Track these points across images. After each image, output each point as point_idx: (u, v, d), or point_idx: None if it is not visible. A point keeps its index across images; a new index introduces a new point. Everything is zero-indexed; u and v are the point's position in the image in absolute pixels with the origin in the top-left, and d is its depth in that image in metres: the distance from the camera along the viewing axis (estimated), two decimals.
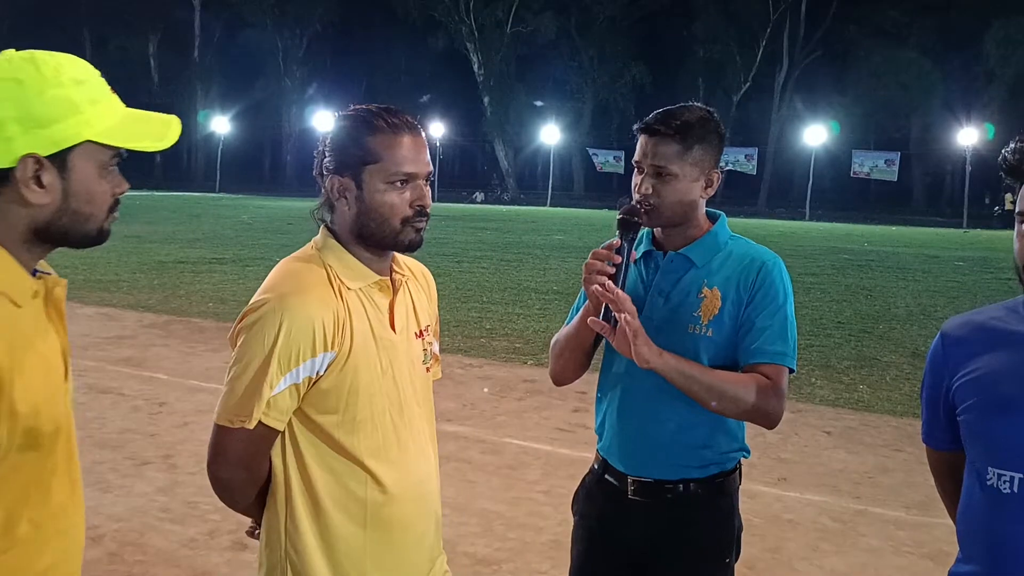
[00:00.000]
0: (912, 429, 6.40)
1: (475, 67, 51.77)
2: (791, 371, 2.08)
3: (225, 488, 1.80)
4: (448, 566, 2.05)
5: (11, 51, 1.41)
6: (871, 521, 4.75)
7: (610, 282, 1.96)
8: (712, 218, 2.22)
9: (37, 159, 1.36)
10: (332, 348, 1.72)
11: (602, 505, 2.24)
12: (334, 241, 1.81)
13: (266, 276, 1.81)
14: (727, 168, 44.73)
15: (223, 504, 1.85)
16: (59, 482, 1.48)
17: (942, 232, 31.92)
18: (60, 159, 1.38)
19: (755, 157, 45.46)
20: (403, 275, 1.90)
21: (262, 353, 1.68)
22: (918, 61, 44.75)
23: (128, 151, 1.46)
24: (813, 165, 42.40)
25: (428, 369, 1.95)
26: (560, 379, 2.31)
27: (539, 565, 4.05)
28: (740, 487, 2.23)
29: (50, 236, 1.43)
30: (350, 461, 1.77)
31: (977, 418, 1.62)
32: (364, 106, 1.81)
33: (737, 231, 2.23)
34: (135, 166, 57.19)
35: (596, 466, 2.29)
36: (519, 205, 44.04)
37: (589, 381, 2.39)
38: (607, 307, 1.97)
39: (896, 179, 43.45)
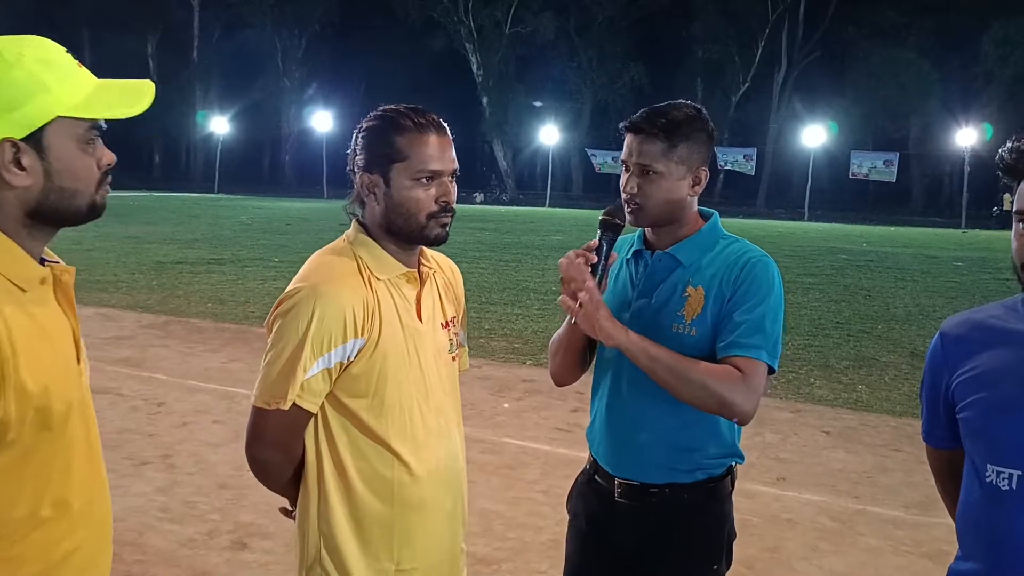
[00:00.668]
0: (911, 429, 6.41)
1: (474, 67, 51.75)
2: (771, 369, 2.02)
3: (262, 468, 1.92)
4: None
5: None
6: (870, 521, 4.75)
7: (566, 258, 1.99)
8: (705, 216, 2.19)
9: (13, 143, 1.37)
10: (362, 335, 1.82)
11: (592, 505, 2.24)
12: (365, 235, 1.92)
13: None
14: (726, 168, 44.82)
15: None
16: (79, 463, 1.50)
17: (941, 232, 31.93)
18: (35, 139, 1.39)
19: (754, 157, 45.43)
20: (430, 268, 2.00)
21: (296, 338, 1.78)
22: (917, 62, 44.75)
23: (108, 121, 1.47)
24: (812, 166, 42.39)
25: (454, 358, 2.04)
26: (559, 379, 2.30)
27: (538, 565, 4.05)
28: (733, 492, 2.20)
29: (45, 217, 1.44)
30: (378, 444, 1.87)
31: (976, 416, 1.62)
32: (393, 106, 1.90)
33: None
34: (134, 167, 57.32)
35: (588, 466, 2.28)
36: (518, 206, 44.05)
37: (587, 382, 2.40)
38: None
39: (895, 180, 43.43)
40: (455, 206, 1.91)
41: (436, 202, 1.86)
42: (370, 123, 1.89)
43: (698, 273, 2.09)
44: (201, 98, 55.40)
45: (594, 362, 2.29)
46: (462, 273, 2.19)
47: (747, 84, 50.07)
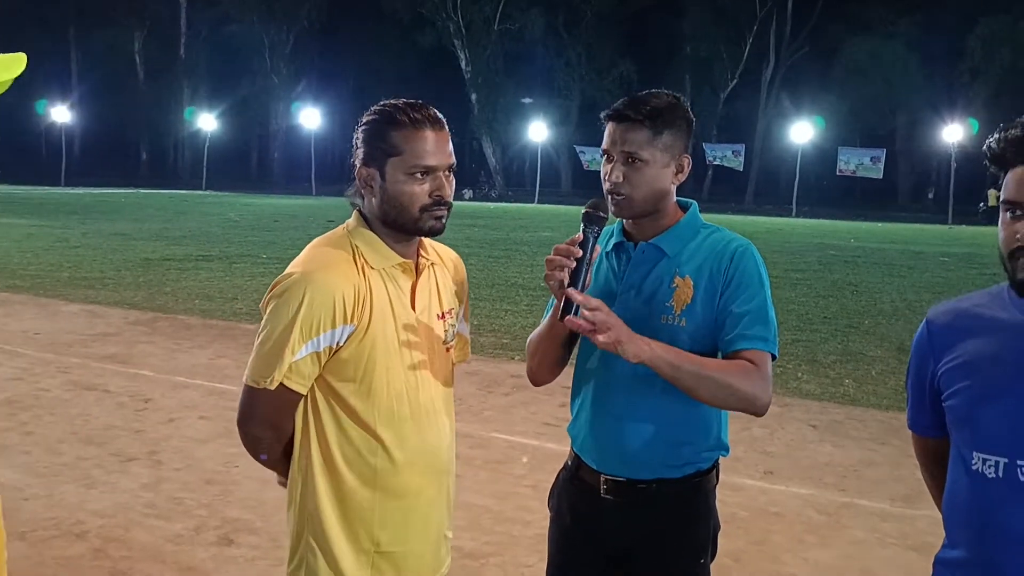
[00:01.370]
0: (897, 423, 6.43)
1: (462, 64, 51.69)
2: (773, 357, 2.01)
3: (253, 444, 1.98)
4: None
5: None
6: (856, 513, 4.76)
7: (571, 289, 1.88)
8: (683, 207, 2.17)
9: None
10: (352, 321, 1.87)
11: (576, 502, 2.21)
12: (363, 224, 1.97)
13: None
14: (715, 163, 44.87)
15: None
16: None
17: (927, 228, 32.07)
18: None
19: (742, 153, 45.53)
20: (428, 260, 2.04)
21: (285, 321, 1.84)
22: (904, 58, 44.90)
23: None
24: (800, 162, 42.51)
25: (448, 349, 2.07)
26: (537, 378, 2.25)
27: (526, 559, 4.05)
28: (718, 485, 2.19)
29: None
30: (363, 429, 1.92)
31: (962, 403, 1.62)
32: (392, 102, 1.94)
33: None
34: (121, 164, 56.99)
35: (570, 462, 2.25)
36: (506, 202, 44.01)
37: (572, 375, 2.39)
38: (567, 301, 1.88)
39: (881, 176, 43.59)
40: (450, 199, 1.94)
41: (430, 196, 1.90)
42: (369, 118, 1.94)
43: (683, 263, 2.07)
44: (189, 94, 55.14)
45: (574, 360, 2.25)
46: None
47: (735, 80, 50.16)
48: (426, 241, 2.05)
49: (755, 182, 49.36)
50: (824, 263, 17.46)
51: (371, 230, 1.96)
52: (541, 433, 5.95)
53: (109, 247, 16.53)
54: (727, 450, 2.18)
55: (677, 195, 2.16)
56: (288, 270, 1.90)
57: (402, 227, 1.93)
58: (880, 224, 33.62)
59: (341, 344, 1.87)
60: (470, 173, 51.93)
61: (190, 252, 16.27)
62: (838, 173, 43.89)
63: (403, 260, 1.96)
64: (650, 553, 2.12)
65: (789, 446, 5.89)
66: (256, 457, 2.02)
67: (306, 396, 1.92)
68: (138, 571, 3.83)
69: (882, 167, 43.02)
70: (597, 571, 2.18)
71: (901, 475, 5.26)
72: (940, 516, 1.74)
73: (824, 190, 45.75)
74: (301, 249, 1.99)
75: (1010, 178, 1.57)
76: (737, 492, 4.81)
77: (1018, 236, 1.56)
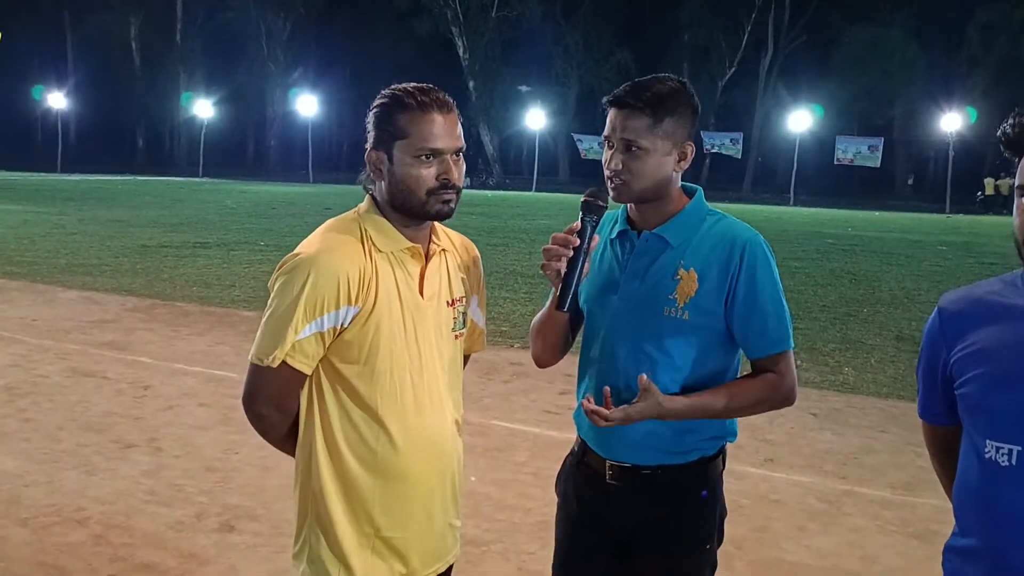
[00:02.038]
0: (897, 411, 6.45)
1: (460, 51, 51.47)
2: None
3: (258, 422, 1.98)
4: None
5: None
6: (856, 501, 4.77)
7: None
8: (689, 193, 2.13)
9: None
10: (356, 303, 1.87)
11: (582, 487, 2.20)
12: (374, 208, 1.97)
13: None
14: (713, 151, 44.80)
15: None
16: None
17: (925, 217, 32.07)
18: None
19: (740, 141, 45.49)
20: (439, 246, 2.03)
21: (289, 300, 1.85)
22: (901, 47, 44.83)
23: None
24: (797, 150, 42.46)
25: (457, 337, 2.06)
26: (541, 361, 2.27)
27: (527, 546, 4.05)
28: (724, 472, 2.19)
29: None
30: (366, 413, 1.92)
31: (976, 391, 1.61)
32: (401, 85, 1.94)
33: None
34: (117, 150, 56.79)
35: (576, 448, 2.25)
36: (504, 190, 43.93)
37: (575, 362, 2.37)
38: (562, 292, 1.94)
39: (879, 165, 43.57)
40: (457, 183, 1.93)
41: (437, 179, 1.89)
42: (379, 102, 1.94)
43: (688, 254, 2.04)
44: (185, 81, 54.93)
45: (579, 344, 2.25)
46: None
47: (733, 69, 50.06)
48: (439, 227, 2.04)
49: (753, 170, 49.32)
50: (822, 252, 17.46)
51: (381, 214, 1.96)
52: (542, 420, 5.95)
53: (106, 234, 16.48)
54: (734, 436, 2.18)
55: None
56: (296, 250, 1.91)
57: (409, 211, 1.92)
58: (878, 213, 33.61)
59: (345, 325, 1.87)
60: (467, 161, 51.30)
61: (187, 239, 16.23)
62: (836, 162, 43.88)
63: (412, 245, 1.95)
64: (656, 538, 2.12)
65: (789, 434, 5.89)
66: (264, 436, 2.03)
67: (311, 378, 1.92)
68: (139, 558, 3.83)
69: (880, 156, 43.01)
70: (604, 556, 2.18)
71: (901, 462, 5.26)
72: (940, 503, 1.74)
73: (822, 178, 45.71)
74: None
75: None
76: (739, 480, 4.82)
77: None
